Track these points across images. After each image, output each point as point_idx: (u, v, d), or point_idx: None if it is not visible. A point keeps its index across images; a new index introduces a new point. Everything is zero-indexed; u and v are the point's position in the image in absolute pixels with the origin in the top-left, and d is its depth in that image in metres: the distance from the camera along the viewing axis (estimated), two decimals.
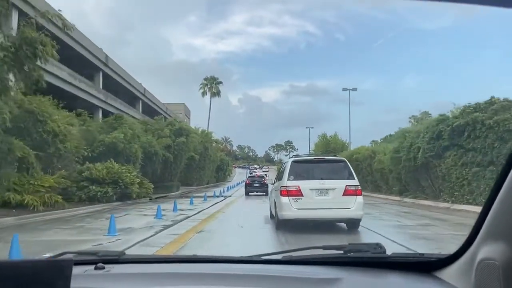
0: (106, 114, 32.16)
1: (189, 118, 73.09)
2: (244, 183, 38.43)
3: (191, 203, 18.80)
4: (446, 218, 13.23)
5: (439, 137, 17.18)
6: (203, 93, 62.57)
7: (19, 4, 19.20)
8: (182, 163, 33.64)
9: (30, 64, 11.98)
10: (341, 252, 1.50)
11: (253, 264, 1.59)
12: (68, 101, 22.29)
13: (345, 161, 9.77)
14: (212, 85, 61.51)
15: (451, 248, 1.31)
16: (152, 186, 24.62)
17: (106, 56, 35.24)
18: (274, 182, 11.43)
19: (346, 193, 8.91)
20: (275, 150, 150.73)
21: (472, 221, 1.16)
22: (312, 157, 10.81)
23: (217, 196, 26.37)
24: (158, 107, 52.83)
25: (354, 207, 8.88)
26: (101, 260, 1.49)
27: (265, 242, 8.53)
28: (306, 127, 69.00)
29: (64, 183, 15.90)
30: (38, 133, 14.90)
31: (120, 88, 40.35)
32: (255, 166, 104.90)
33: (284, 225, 9.25)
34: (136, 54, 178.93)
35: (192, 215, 13.50)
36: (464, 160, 16.29)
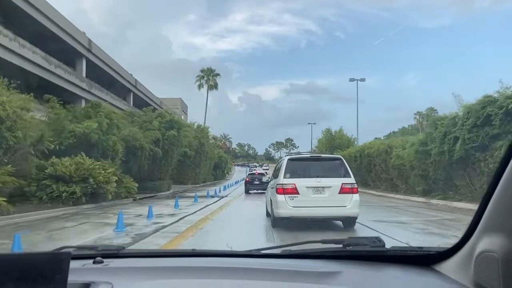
0: None
1: (186, 114, 70.03)
2: (243, 181, 36.72)
3: (176, 206, 15.43)
4: None
5: (486, 123, 13.69)
6: (200, 86, 58.80)
7: None
8: (174, 159, 30.25)
9: None
10: (340, 246, 1.51)
11: (253, 258, 1.60)
12: (44, 90, 19.01)
13: (341, 159, 9.71)
14: (209, 78, 57.77)
15: None
16: (137, 185, 21.31)
17: (90, 41, 31.84)
18: (271, 180, 11.24)
19: (342, 191, 8.88)
20: (276, 148, 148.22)
21: None
22: (308, 155, 10.59)
23: (211, 197, 23.04)
24: (152, 100, 49.37)
25: (350, 205, 8.82)
26: (100, 254, 1.50)
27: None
28: (309, 123, 65.59)
29: (11, 181, 12.58)
30: None
31: (107, 78, 36.99)
32: (255, 164, 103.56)
33: (279, 223, 9.14)
34: (136, 53, 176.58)
35: (169, 225, 10.14)
36: None
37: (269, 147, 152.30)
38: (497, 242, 0.99)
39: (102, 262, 1.42)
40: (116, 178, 17.82)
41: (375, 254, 1.48)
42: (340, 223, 9.71)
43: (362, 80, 40.06)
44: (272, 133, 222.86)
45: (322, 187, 8.89)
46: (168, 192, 28.47)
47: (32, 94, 14.69)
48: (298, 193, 8.79)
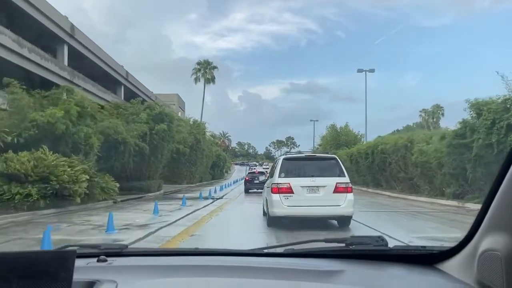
0: None
1: (183, 110, 67.07)
2: (242, 180, 34.46)
3: (155, 211, 12.36)
4: None
5: None
6: (196, 79, 55.60)
7: None
8: (165, 156, 27.22)
9: None
10: (343, 245, 1.50)
11: (255, 257, 1.62)
12: (14, 77, 15.94)
13: (336, 158, 9.84)
14: (205, 71, 54.56)
15: None
16: (118, 185, 18.25)
17: (72, 25, 28.79)
18: (267, 180, 11.30)
19: (337, 190, 8.93)
20: (276, 147, 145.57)
21: None
22: (303, 155, 10.78)
23: (204, 198, 20.02)
24: (146, 95, 46.22)
25: (344, 204, 8.85)
26: (104, 253, 1.50)
27: None
28: (311, 120, 62.63)
29: None
30: None
31: (95, 68, 33.90)
32: (255, 162, 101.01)
33: (275, 222, 9.11)
34: (136, 52, 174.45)
35: (131, 243, 7.01)
36: None
37: (269, 145, 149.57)
38: (501, 241, 0.98)
39: (106, 260, 1.42)
40: (87, 177, 14.78)
41: (378, 253, 1.48)
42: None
43: (371, 71, 37.00)
44: (272, 132, 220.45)
45: (317, 187, 8.95)
46: (158, 192, 25.46)
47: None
48: (292, 192, 8.83)
